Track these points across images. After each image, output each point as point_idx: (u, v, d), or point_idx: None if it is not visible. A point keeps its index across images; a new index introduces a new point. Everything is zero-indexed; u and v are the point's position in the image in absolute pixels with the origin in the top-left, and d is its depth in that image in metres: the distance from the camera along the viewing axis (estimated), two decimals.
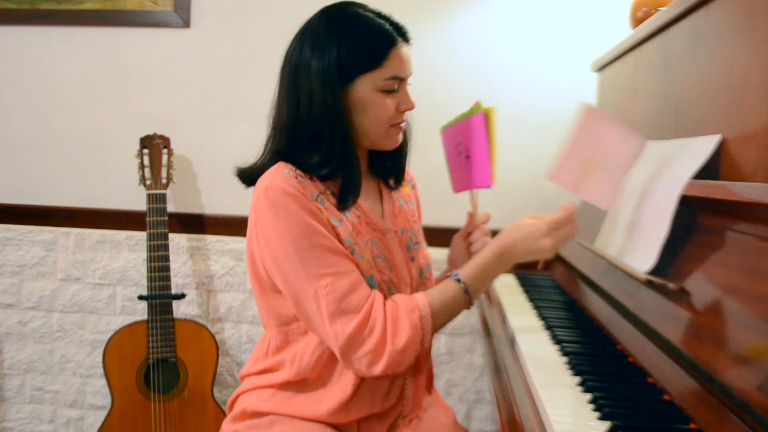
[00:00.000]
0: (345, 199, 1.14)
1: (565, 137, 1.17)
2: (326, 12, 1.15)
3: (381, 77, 1.11)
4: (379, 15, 1.14)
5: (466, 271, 1.13)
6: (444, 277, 1.33)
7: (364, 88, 1.11)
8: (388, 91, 1.13)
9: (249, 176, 1.18)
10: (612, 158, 1.10)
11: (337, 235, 1.12)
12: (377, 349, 1.04)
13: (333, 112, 1.10)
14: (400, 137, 1.20)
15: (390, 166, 1.27)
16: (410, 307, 1.07)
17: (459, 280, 1.12)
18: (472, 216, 1.30)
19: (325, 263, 1.07)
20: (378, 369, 1.05)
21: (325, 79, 1.09)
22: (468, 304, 1.13)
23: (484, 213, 1.29)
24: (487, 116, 1.15)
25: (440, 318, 1.10)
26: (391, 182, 1.29)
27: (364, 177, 1.23)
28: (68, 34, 2.19)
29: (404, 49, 1.13)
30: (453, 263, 1.35)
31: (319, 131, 1.11)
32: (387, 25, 1.12)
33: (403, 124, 1.19)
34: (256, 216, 1.12)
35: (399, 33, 1.13)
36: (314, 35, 1.12)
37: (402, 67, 1.13)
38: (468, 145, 1.18)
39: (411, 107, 1.16)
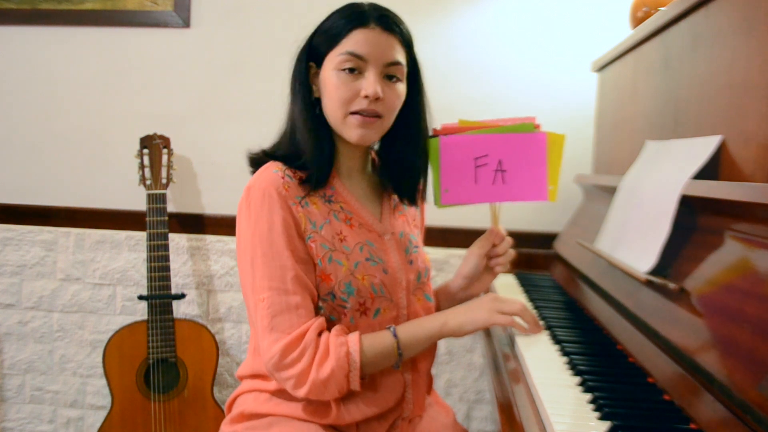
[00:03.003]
0: (309, 179, 1.12)
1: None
2: None
3: (337, 53, 1.09)
4: (372, 4, 1.13)
5: (405, 332, 1.11)
6: (442, 290, 1.33)
7: (327, 67, 1.11)
8: (347, 71, 1.08)
9: (254, 163, 1.19)
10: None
11: (314, 242, 1.10)
12: (302, 375, 1.04)
13: (300, 92, 1.13)
14: (364, 132, 1.10)
15: (404, 188, 1.23)
16: (340, 342, 1.06)
17: (395, 337, 1.10)
18: (495, 230, 1.26)
19: (271, 276, 1.06)
20: (301, 393, 1.06)
21: (299, 58, 1.14)
22: (397, 357, 1.11)
23: (502, 227, 1.26)
24: (551, 140, 1.17)
25: (368, 362, 1.07)
26: (406, 201, 1.25)
27: (365, 178, 1.23)
28: (68, 34, 2.19)
29: (373, 32, 1.08)
30: (468, 278, 1.28)
31: (294, 114, 1.14)
32: (365, 7, 1.11)
33: (366, 118, 1.09)
34: (238, 213, 1.14)
35: (375, 18, 1.09)
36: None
37: (361, 46, 1.07)
38: (516, 158, 1.18)
39: (369, 92, 1.07)
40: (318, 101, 1.15)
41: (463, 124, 1.23)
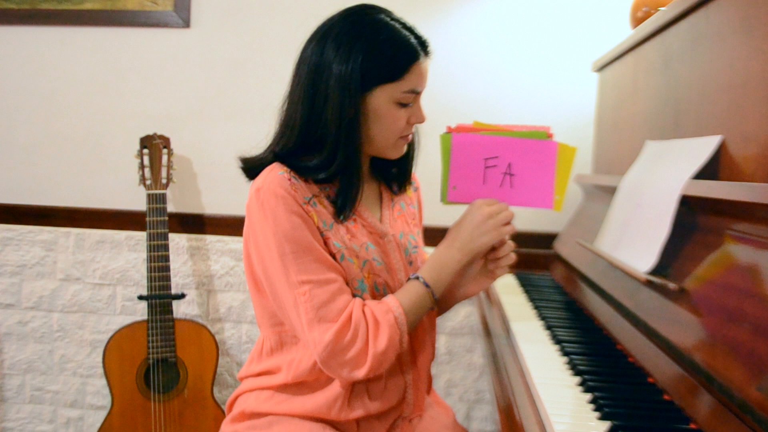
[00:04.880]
0: (343, 208, 1.13)
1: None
2: (351, 15, 1.13)
3: (400, 90, 1.11)
4: (405, 26, 1.14)
5: (424, 268, 1.15)
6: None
7: (382, 98, 1.11)
8: (403, 104, 1.13)
9: (250, 169, 1.19)
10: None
11: (327, 240, 1.11)
12: (360, 354, 1.05)
13: (347, 119, 1.10)
14: (405, 148, 1.20)
15: (395, 172, 1.27)
16: (384, 310, 1.08)
17: (418, 278, 1.14)
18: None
19: (306, 270, 1.07)
20: (360, 374, 1.06)
21: (346, 85, 1.09)
22: (433, 301, 1.15)
23: None
24: (562, 150, 1.17)
25: (411, 316, 1.11)
26: (395, 187, 1.28)
27: (365, 181, 1.23)
28: (68, 34, 2.19)
29: (425, 64, 1.14)
30: (465, 276, 1.26)
31: (327, 134, 1.11)
32: (412, 39, 1.12)
33: (410, 136, 1.19)
34: (249, 217, 1.13)
35: (422, 47, 1.13)
36: (338, 38, 1.10)
37: (421, 81, 1.14)
38: (525, 164, 1.19)
39: (421, 121, 1.17)
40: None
41: (477, 125, 1.23)
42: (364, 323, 1.06)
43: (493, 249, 1.22)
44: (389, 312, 1.08)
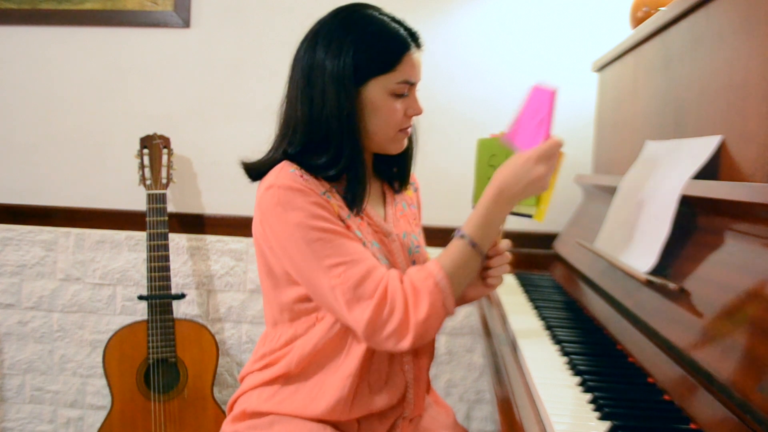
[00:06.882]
0: (353, 203, 1.14)
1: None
2: (341, 12, 1.15)
3: (393, 81, 1.12)
4: (393, 19, 1.15)
5: (469, 224, 1.11)
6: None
7: (376, 90, 1.12)
8: (399, 96, 1.14)
9: (255, 169, 1.19)
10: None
11: (348, 228, 1.12)
12: (401, 326, 1.04)
13: (345, 113, 1.11)
14: (406, 142, 1.21)
15: (396, 170, 1.28)
16: (423, 276, 1.07)
17: (463, 236, 1.10)
18: (495, 241, 1.21)
19: (336, 252, 1.07)
20: (406, 344, 1.05)
21: (339, 80, 1.10)
22: (480, 256, 1.11)
23: (506, 240, 1.21)
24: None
25: (457, 278, 1.08)
26: (396, 185, 1.29)
27: (369, 181, 1.23)
28: (68, 34, 2.19)
29: (416, 55, 1.15)
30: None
31: (330, 132, 1.12)
32: (401, 30, 1.13)
33: (409, 129, 1.20)
34: (263, 216, 1.12)
35: (413, 38, 1.15)
36: (329, 36, 1.12)
37: (413, 72, 1.14)
38: (529, 111, 1.22)
39: (419, 112, 1.18)
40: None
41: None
42: (401, 294, 1.05)
43: (488, 257, 1.19)
44: (429, 278, 1.07)
